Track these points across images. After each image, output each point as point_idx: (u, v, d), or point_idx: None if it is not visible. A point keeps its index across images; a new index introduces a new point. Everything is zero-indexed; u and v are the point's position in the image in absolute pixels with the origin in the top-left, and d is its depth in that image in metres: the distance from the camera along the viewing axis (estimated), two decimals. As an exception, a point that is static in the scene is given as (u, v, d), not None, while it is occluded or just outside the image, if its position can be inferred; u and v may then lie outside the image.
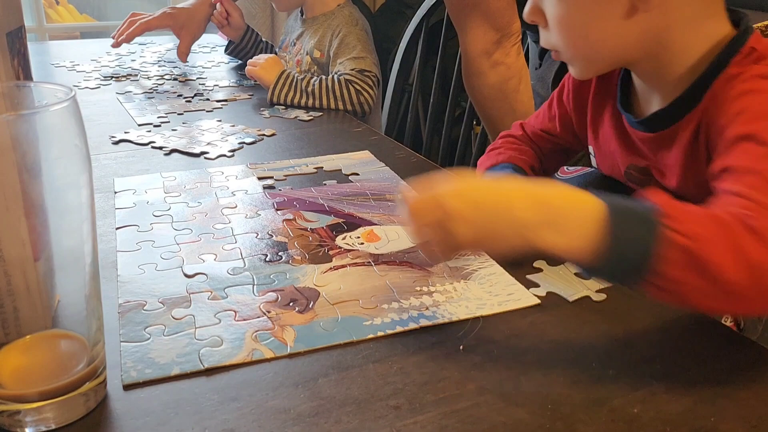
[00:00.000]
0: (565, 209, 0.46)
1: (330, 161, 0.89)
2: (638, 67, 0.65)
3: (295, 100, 1.20)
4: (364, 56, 1.26)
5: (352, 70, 1.23)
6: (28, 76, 0.50)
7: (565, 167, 0.83)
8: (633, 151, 0.70)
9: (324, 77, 1.22)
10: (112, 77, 1.38)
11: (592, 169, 0.79)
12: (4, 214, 0.38)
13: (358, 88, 1.21)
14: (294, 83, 1.20)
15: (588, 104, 0.76)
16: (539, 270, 0.60)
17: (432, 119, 1.47)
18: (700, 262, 0.43)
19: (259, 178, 0.82)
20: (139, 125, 1.05)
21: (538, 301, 0.55)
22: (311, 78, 1.21)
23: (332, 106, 1.20)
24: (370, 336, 0.50)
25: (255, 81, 1.26)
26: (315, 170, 0.85)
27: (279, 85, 1.20)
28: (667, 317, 0.54)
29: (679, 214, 0.45)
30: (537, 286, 0.58)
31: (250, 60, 1.26)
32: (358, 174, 0.84)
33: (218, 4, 1.48)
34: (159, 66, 1.49)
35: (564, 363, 0.48)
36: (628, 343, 0.50)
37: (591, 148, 0.79)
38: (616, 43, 0.60)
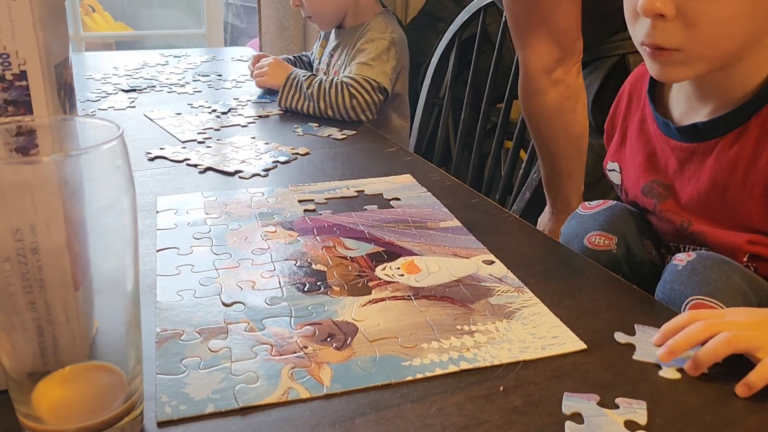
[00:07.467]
0: None
1: (371, 185, 0.87)
2: (725, 71, 0.63)
3: (302, 106, 1.16)
4: (373, 64, 1.22)
5: (357, 74, 1.19)
6: (73, 106, 0.51)
7: (586, 202, 0.81)
8: (657, 165, 0.72)
9: (323, 78, 1.19)
10: (146, 88, 1.39)
11: (614, 203, 0.79)
12: (47, 243, 0.38)
13: (353, 91, 1.17)
14: (299, 86, 1.16)
15: (619, 118, 0.79)
16: (581, 306, 0.59)
17: (462, 134, 1.45)
18: None
19: (300, 201, 0.81)
20: (183, 142, 1.05)
21: (584, 346, 0.53)
22: (313, 79, 1.18)
23: (324, 111, 1.17)
24: (409, 378, 0.49)
25: (267, 88, 1.22)
26: (356, 194, 0.84)
27: (287, 89, 1.17)
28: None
29: None
30: (579, 323, 0.56)
31: (255, 72, 1.22)
32: (399, 199, 0.83)
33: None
34: (193, 80, 1.50)
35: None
36: (677, 390, 0.49)
37: (615, 164, 0.79)
38: (742, 37, 0.60)
